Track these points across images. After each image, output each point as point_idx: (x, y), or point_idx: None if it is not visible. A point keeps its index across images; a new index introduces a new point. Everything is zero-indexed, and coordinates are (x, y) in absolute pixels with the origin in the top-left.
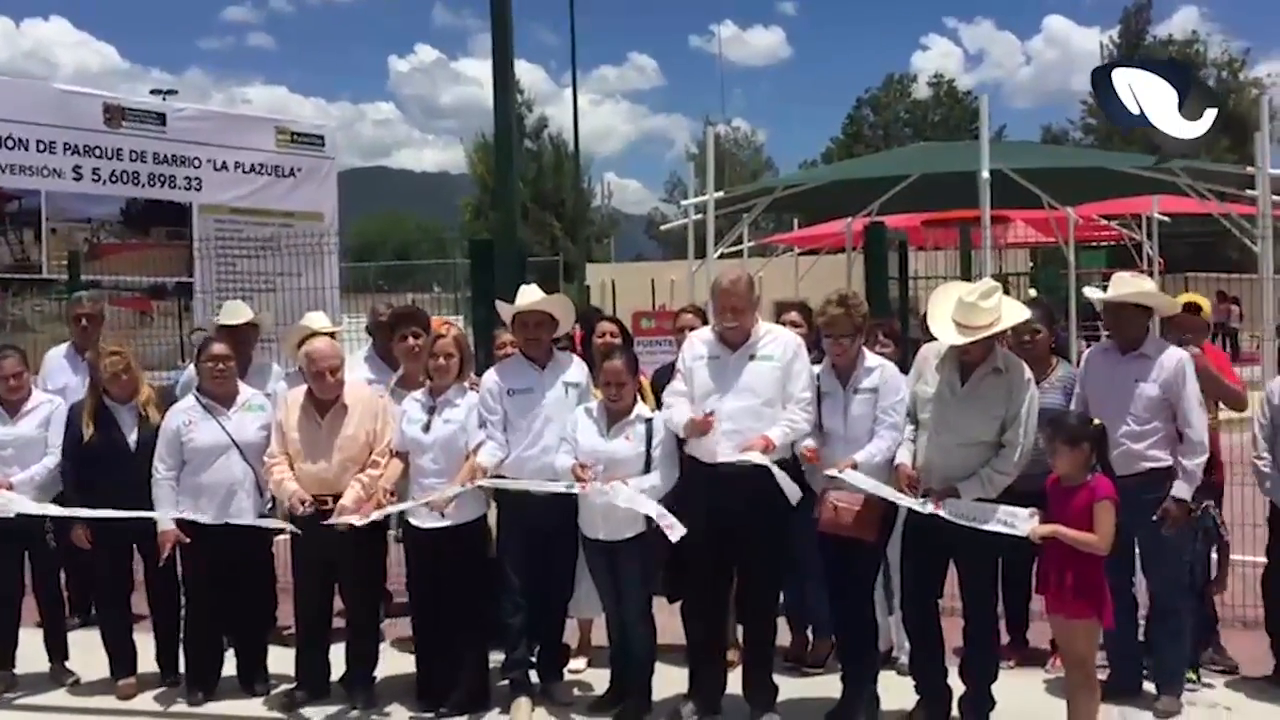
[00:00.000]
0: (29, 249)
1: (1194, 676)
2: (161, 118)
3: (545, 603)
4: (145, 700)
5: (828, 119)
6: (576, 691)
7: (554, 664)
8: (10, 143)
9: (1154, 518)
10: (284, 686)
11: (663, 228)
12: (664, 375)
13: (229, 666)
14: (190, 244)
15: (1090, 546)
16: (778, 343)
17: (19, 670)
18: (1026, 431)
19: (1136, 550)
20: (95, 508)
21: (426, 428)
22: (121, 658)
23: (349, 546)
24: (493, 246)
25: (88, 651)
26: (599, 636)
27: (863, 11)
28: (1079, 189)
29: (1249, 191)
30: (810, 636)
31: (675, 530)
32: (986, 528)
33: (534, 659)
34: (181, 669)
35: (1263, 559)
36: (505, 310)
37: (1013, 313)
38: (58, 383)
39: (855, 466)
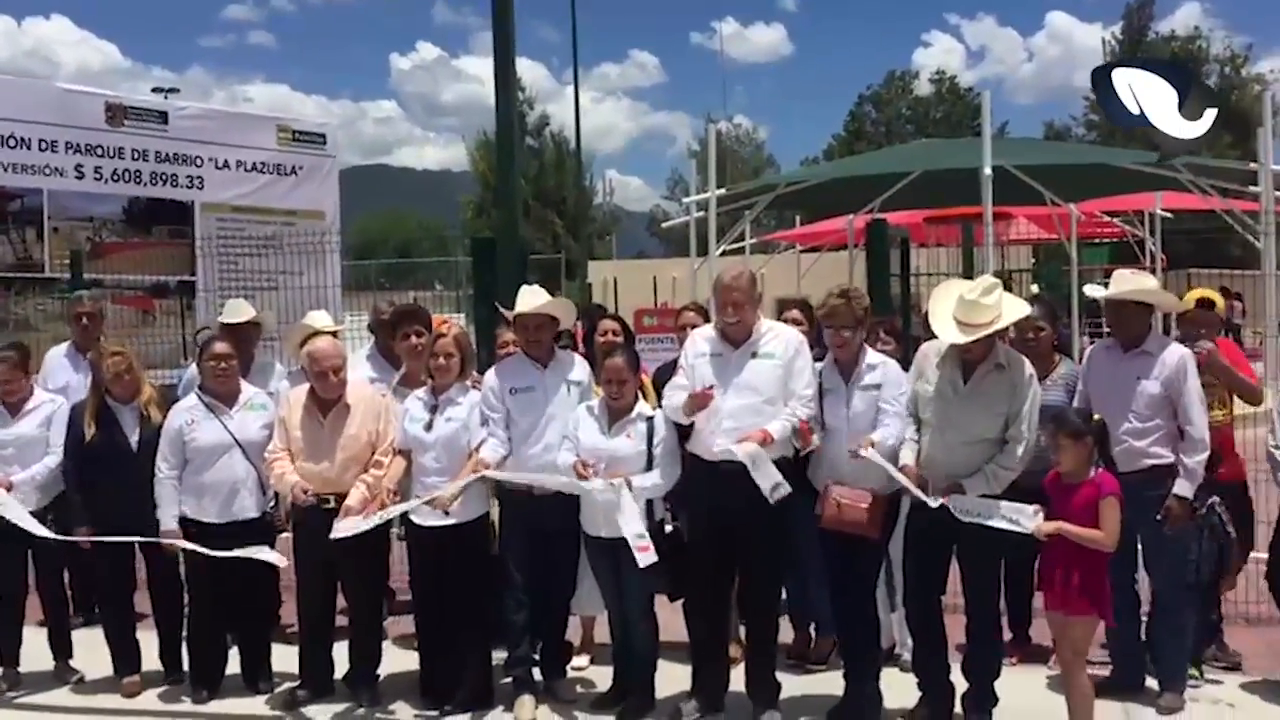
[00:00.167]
0: (31, 248)
1: (1197, 673)
2: (163, 116)
3: (548, 600)
4: (149, 698)
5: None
6: (579, 689)
7: (557, 661)
8: (12, 141)
9: (1158, 517)
10: (287, 684)
11: (664, 225)
12: (666, 373)
13: (233, 664)
14: (192, 242)
15: (1097, 543)
16: (779, 340)
17: (23, 669)
18: (1030, 427)
19: (1139, 547)
20: (97, 507)
21: (429, 426)
22: (125, 656)
23: (351, 545)
24: (495, 244)
25: (92, 650)
26: (601, 634)
27: (864, 8)
28: (1081, 185)
29: (1252, 188)
30: (813, 634)
31: (647, 556)
32: (992, 524)
33: (537, 656)
34: (185, 667)
35: (1264, 555)
36: (507, 313)
37: (1013, 309)
38: (58, 382)
39: (873, 445)
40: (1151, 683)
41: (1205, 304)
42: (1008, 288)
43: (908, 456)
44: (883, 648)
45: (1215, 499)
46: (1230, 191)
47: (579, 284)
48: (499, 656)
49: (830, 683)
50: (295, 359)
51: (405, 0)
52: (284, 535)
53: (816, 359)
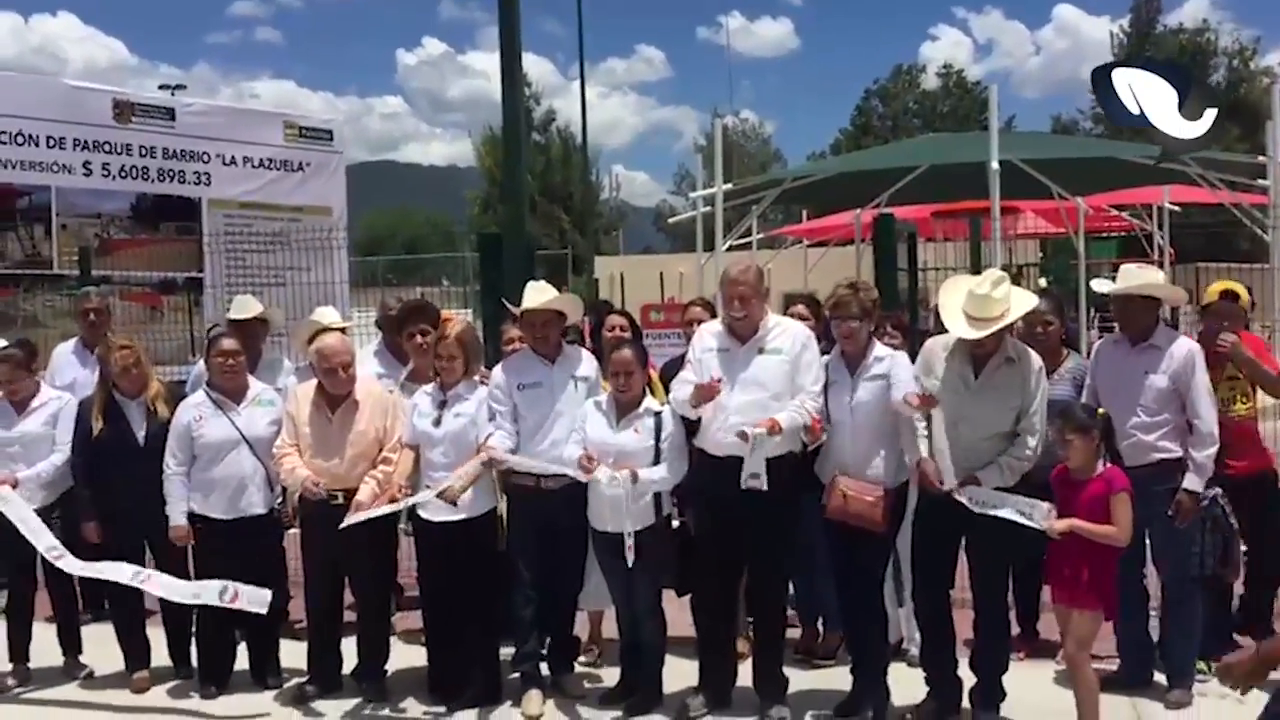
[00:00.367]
0: (40, 244)
1: (1205, 668)
2: (170, 113)
3: (556, 596)
4: (159, 694)
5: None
6: (587, 684)
7: (565, 657)
8: (20, 139)
9: (1169, 513)
10: (295, 680)
11: (671, 220)
12: (673, 368)
13: (241, 660)
14: (200, 239)
15: (1110, 539)
16: (786, 335)
17: (33, 664)
18: (1041, 419)
19: (1147, 542)
20: (106, 503)
21: (437, 422)
22: (135, 652)
23: (359, 540)
24: (501, 240)
25: (101, 646)
26: (609, 629)
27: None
28: (1089, 179)
29: (1260, 181)
30: (820, 629)
31: (630, 556)
32: (1003, 514)
33: (545, 652)
34: (194, 663)
35: None
36: (514, 310)
37: (1022, 301)
38: (66, 378)
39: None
40: (1160, 678)
41: (1229, 296)
42: (1016, 282)
43: (923, 450)
44: (890, 642)
45: (1217, 491)
46: (1239, 185)
47: (585, 279)
48: (507, 652)
49: (838, 678)
50: (303, 355)
51: None
52: (291, 531)
53: (824, 353)
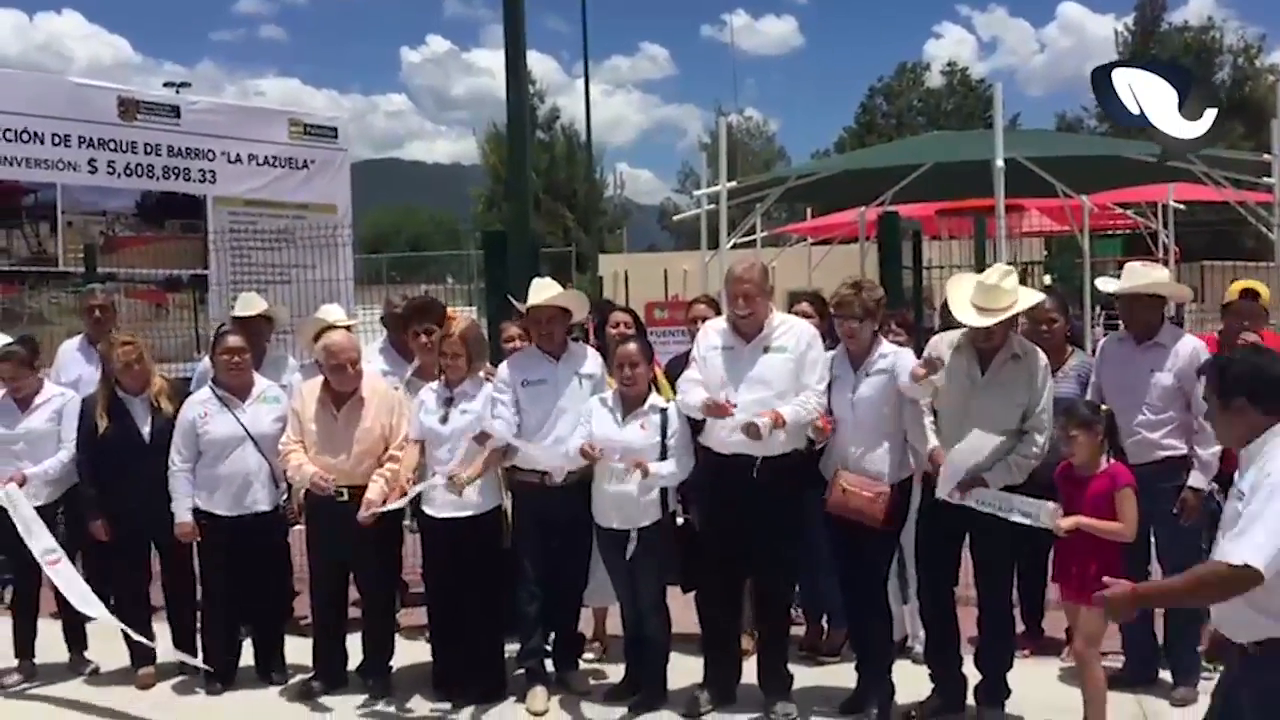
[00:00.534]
0: (45, 242)
1: (1210, 665)
2: (175, 110)
3: (560, 592)
4: (164, 690)
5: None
6: (592, 680)
7: (569, 653)
8: (26, 136)
9: (1174, 510)
10: (300, 676)
11: (675, 218)
12: (677, 365)
13: (246, 657)
14: (205, 236)
15: (1117, 534)
16: (792, 333)
17: (39, 660)
18: (1048, 417)
19: (1151, 539)
20: (112, 500)
21: (444, 420)
22: (140, 647)
23: (364, 537)
24: (506, 237)
25: (106, 641)
26: (614, 626)
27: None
28: (1094, 177)
29: (1265, 179)
30: (825, 625)
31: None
32: (1009, 518)
33: (549, 648)
34: (199, 652)
35: None
36: (519, 306)
37: (1029, 295)
38: (71, 375)
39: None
40: (1165, 675)
41: (1250, 295)
42: (1021, 280)
43: (931, 439)
44: (895, 639)
45: (1214, 487)
46: (1244, 183)
47: (590, 277)
48: (512, 648)
49: (842, 674)
50: (308, 352)
51: None
52: (296, 528)
53: (828, 349)
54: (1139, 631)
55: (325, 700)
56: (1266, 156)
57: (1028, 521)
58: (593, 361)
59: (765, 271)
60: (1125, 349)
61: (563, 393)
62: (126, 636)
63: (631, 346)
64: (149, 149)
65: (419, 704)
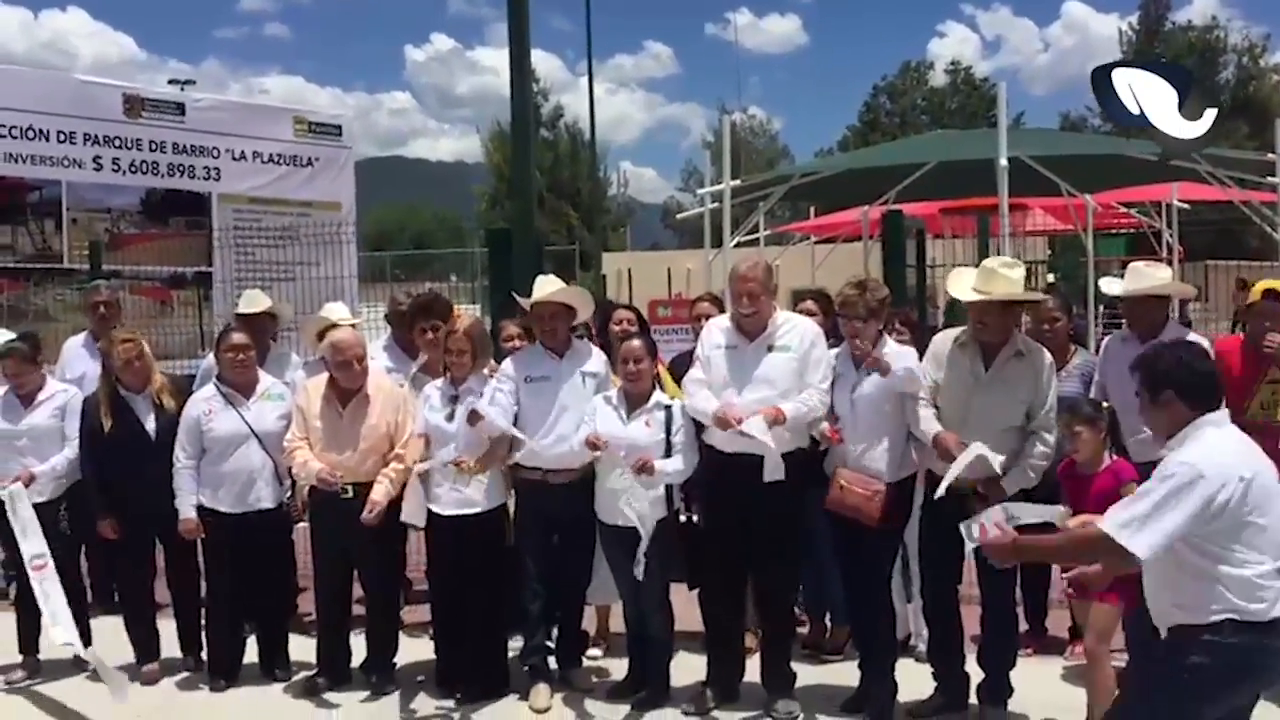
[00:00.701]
0: (50, 239)
1: None
2: (180, 108)
3: (563, 589)
4: (168, 686)
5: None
6: (595, 678)
7: (572, 650)
8: (31, 133)
9: None
10: (304, 673)
11: (679, 216)
12: (681, 363)
13: (250, 654)
14: (209, 233)
15: None
16: (795, 332)
17: (42, 656)
18: (1053, 416)
19: None
20: (117, 497)
21: (450, 418)
22: (145, 644)
23: (368, 534)
24: (510, 235)
25: (111, 637)
26: (617, 623)
27: None
28: (1098, 176)
29: (1269, 179)
30: (828, 623)
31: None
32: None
33: (552, 645)
34: (203, 652)
35: None
36: (522, 302)
37: (1029, 294)
38: (76, 371)
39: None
40: None
41: (1273, 295)
42: (1026, 279)
43: (934, 426)
44: (898, 638)
45: None
46: (1248, 182)
47: (593, 275)
48: (515, 645)
49: (845, 673)
50: (312, 349)
51: None
52: (300, 525)
53: (832, 348)
54: (1141, 629)
55: (329, 697)
56: (1270, 156)
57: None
58: (597, 360)
59: (769, 270)
60: (1129, 348)
61: (566, 390)
62: (129, 632)
63: (636, 343)
64: (154, 146)
65: (422, 701)
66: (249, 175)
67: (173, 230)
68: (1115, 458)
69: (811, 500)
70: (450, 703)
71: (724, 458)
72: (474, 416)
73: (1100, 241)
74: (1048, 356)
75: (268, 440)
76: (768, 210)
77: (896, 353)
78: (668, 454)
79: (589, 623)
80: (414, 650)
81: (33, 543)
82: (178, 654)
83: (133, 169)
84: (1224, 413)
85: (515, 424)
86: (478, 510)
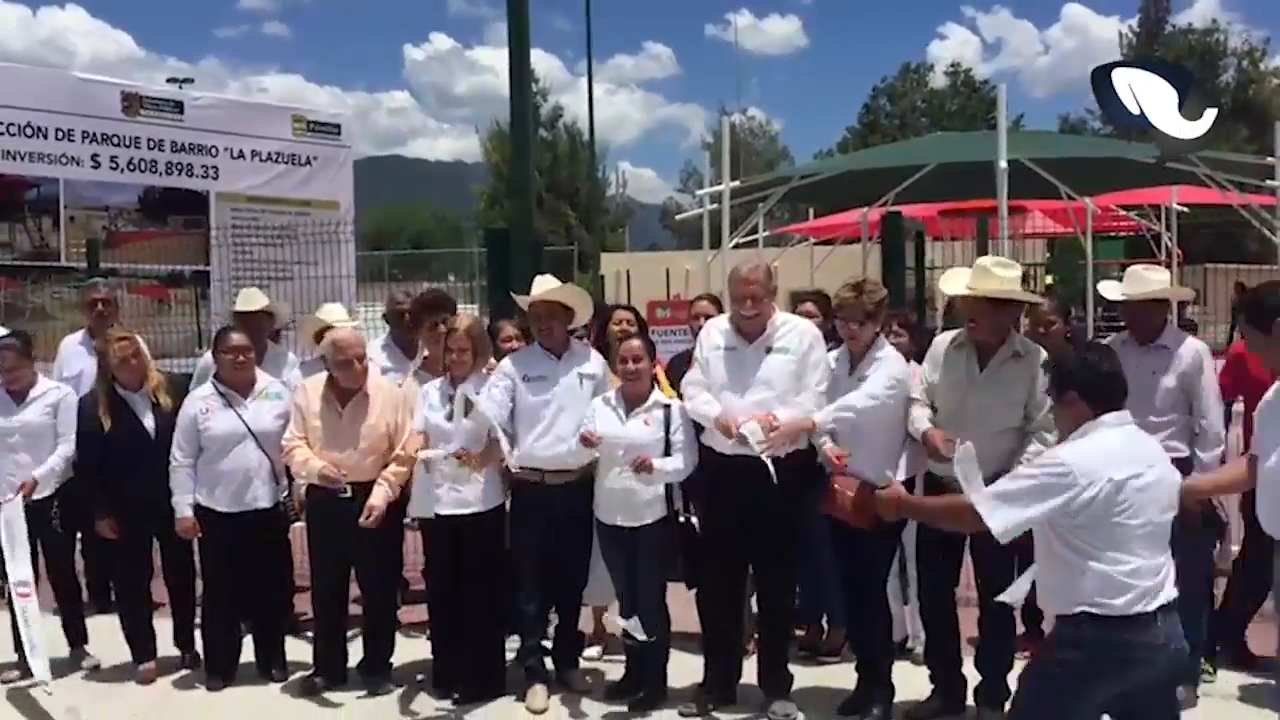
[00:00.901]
0: (48, 236)
1: (1209, 668)
2: (179, 106)
3: (560, 591)
4: (164, 685)
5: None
6: (591, 679)
7: (569, 652)
8: (29, 131)
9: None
10: (301, 673)
11: (678, 217)
12: (679, 364)
13: (246, 653)
14: (207, 232)
15: None
16: (794, 333)
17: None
18: (1053, 416)
19: None
20: (120, 497)
21: (449, 417)
22: (141, 644)
23: (366, 534)
24: (508, 235)
25: (107, 636)
26: (613, 625)
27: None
28: (1097, 179)
29: (1269, 182)
30: (825, 626)
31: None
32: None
33: (549, 646)
34: (199, 649)
35: None
36: (520, 301)
37: (1022, 292)
38: (73, 369)
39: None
40: None
41: None
42: (1024, 281)
43: (924, 423)
44: (894, 640)
45: None
46: (1248, 186)
47: (592, 276)
48: (512, 646)
49: (842, 675)
50: (311, 349)
51: None
52: (297, 525)
53: (831, 350)
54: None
55: (326, 697)
56: (1270, 159)
57: None
58: (595, 362)
59: (769, 272)
60: (1128, 351)
61: (563, 391)
62: (126, 631)
63: (635, 342)
64: (152, 144)
65: (419, 701)
66: (247, 174)
67: (170, 229)
68: None
69: (809, 501)
70: (447, 703)
71: (723, 459)
72: (468, 405)
73: (1099, 244)
74: (1044, 356)
75: (265, 439)
76: (767, 211)
77: (891, 352)
78: (667, 453)
79: (586, 623)
80: (411, 650)
81: (20, 568)
82: (174, 653)
83: (131, 167)
84: (1122, 414)
85: (511, 420)
86: (475, 511)
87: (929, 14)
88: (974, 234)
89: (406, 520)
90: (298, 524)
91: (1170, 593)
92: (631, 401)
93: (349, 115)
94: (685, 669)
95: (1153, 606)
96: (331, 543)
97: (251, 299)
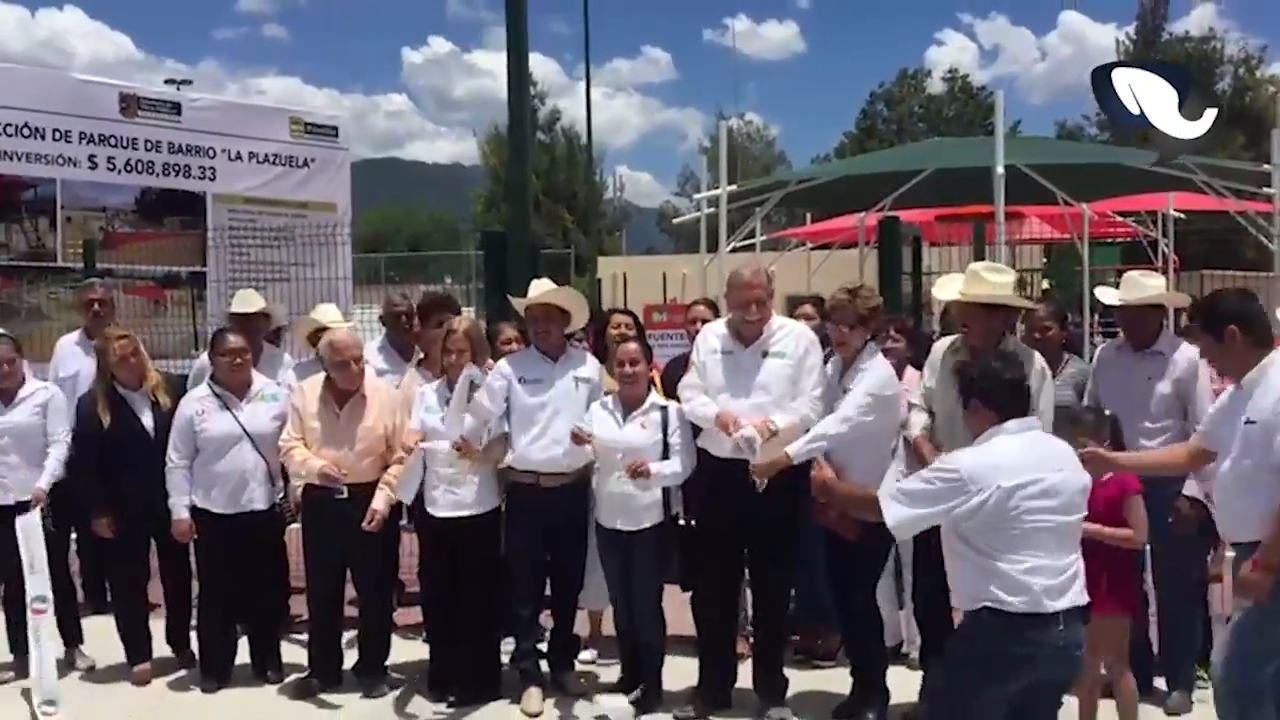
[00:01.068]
0: (44, 237)
1: (1204, 674)
2: (177, 107)
3: (556, 593)
4: (159, 686)
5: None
6: (585, 682)
7: (565, 654)
8: (26, 131)
9: (1169, 519)
10: (296, 675)
11: (675, 221)
12: (676, 368)
13: (241, 654)
14: (204, 234)
15: (1128, 542)
16: (791, 337)
17: None
18: (1047, 422)
19: (1148, 547)
20: (118, 496)
21: (448, 402)
22: (137, 644)
23: (362, 536)
24: (505, 238)
25: (103, 636)
26: (609, 627)
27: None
28: (1094, 185)
29: (1266, 189)
30: (821, 630)
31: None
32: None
33: (544, 649)
34: (194, 648)
35: None
36: (517, 303)
37: (1016, 297)
38: (69, 369)
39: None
40: (1159, 683)
41: None
42: (1020, 287)
43: (917, 429)
44: (888, 644)
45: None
46: (1244, 193)
47: (588, 279)
48: (507, 648)
49: (838, 679)
50: (306, 350)
51: None
52: (293, 526)
53: (828, 357)
54: (1135, 639)
55: (321, 698)
56: (1266, 166)
57: None
58: (590, 367)
59: (769, 276)
60: (1124, 357)
61: (559, 394)
62: (122, 632)
63: (632, 345)
64: (149, 146)
65: (414, 703)
66: (244, 175)
67: (167, 230)
68: None
69: (805, 506)
70: (442, 705)
71: (719, 463)
72: (472, 385)
73: (1096, 250)
74: (1040, 361)
75: (261, 441)
76: (764, 216)
77: (876, 362)
78: (665, 455)
79: (581, 627)
80: (406, 652)
81: (38, 582)
82: (169, 653)
83: (128, 168)
84: (1024, 421)
85: (507, 421)
86: (471, 513)
87: (927, 20)
88: (971, 239)
89: (403, 522)
90: (294, 525)
91: (1079, 597)
92: (629, 405)
93: (347, 117)
94: (680, 672)
95: (1055, 607)
96: (327, 544)
97: (248, 301)
